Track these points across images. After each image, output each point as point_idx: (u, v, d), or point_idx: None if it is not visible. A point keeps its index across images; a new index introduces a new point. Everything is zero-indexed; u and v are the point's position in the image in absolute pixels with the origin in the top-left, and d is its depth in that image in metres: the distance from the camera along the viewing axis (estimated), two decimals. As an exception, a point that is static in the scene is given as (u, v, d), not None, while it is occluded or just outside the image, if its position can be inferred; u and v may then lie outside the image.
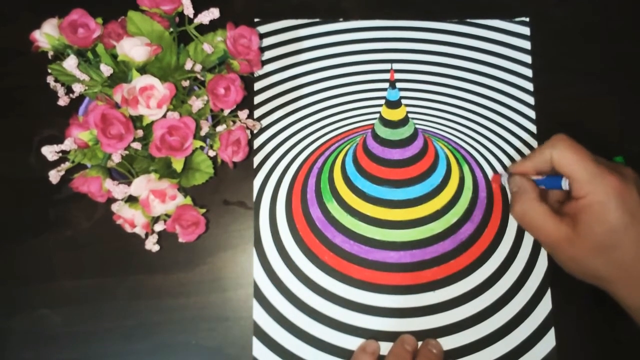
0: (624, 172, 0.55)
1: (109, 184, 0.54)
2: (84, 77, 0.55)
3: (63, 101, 0.57)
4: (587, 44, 0.70)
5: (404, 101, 0.68)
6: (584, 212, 0.54)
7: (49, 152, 0.53)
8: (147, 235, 0.57)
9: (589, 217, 0.54)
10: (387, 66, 0.69)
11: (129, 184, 0.54)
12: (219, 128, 0.58)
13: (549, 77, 0.69)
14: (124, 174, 0.56)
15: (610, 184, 0.53)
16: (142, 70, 0.55)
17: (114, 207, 0.56)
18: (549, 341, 0.62)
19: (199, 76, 0.58)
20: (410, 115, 0.68)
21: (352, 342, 0.61)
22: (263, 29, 0.69)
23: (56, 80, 0.57)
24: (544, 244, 0.59)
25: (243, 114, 0.60)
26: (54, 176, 0.54)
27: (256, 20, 0.69)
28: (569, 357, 0.61)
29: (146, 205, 0.54)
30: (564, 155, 0.55)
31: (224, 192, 0.65)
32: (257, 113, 0.67)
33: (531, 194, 0.58)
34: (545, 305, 0.62)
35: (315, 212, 0.65)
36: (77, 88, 0.55)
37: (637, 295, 0.54)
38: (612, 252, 0.53)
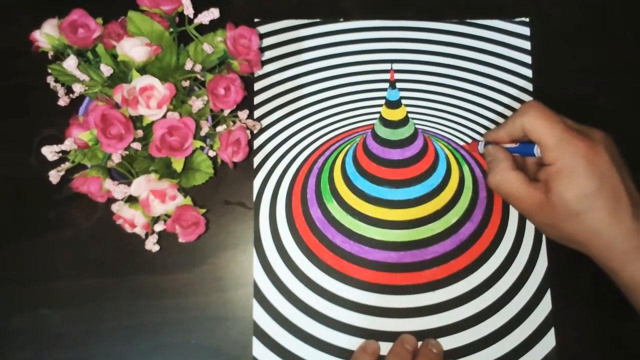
0: (593, 136, 0.55)
1: (109, 184, 0.54)
2: (84, 77, 0.55)
3: (63, 101, 0.57)
4: (586, 44, 0.70)
5: (404, 101, 0.68)
6: (554, 178, 0.54)
7: (49, 152, 0.53)
8: (147, 235, 0.57)
9: (559, 184, 0.54)
10: (387, 66, 0.69)
11: (129, 184, 0.54)
12: (219, 128, 0.58)
13: (549, 77, 0.69)
14: (124, 174, 0.56)
15: (577, 149, 0.53)
16: (142, 70, 0.55)
17: (114, 207, 0.56)
18: (549, 341, 0.62)
19: (199, 76, 0.58)
20: (410, 116, 0.68)
21: (352, 342, 0.61)
22: (263, 29, 0.69)
23: (56, 80, 0.57)
24: (520, 211, 0.60)
25: (243, 114, 0.60)
26: (54, 176, 0.54)
27: (256, 20, 0.69)
28: (569, 357, 0.61)
29: (146, 206, 0.54)
30: (534, 122, 0.55)
31: (224, 192, 0.65)
32: (257, 113, 0.67)
33: (505, 163, 0.58)
34: (545, 305, 0.62)
35: (315, 213, 0.65)
36: (77, 88, 0.55)
37: (612, 257, 0.54)
38: (585, 216, 0.53)
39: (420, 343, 0.61)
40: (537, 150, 0.56)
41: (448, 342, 0.62)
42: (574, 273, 0.62)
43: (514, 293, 0.63)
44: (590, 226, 0.54)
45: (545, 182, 0.55)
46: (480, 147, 0.63)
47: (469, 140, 0.67)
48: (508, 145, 0.60)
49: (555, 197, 0.54)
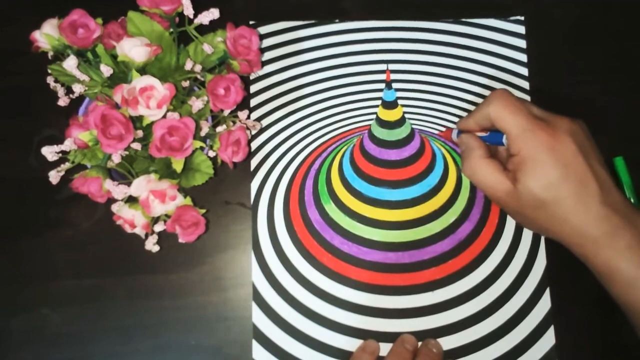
0: (557, 124, 0.54)
1: (108, 184, 0.54)
2: (84, 77, 0.55)
3: (63, 101, 0.57)
4: (582, 42, 0.71)
5: (400, 101, 0.68)
6: (519, 169, 0.54)
7: (49, 152, 0.53)
8: (147, 235, 0.57)
9: (524, 174, 0.54)
10: (383, 67, 0.69)
11: (128, 184, 0.54)
12: (219, 128, 0.58)
13: (545, 75, 0.69)
14: (124, 175, 0.56)
15: (539, 139, 0.53)
16: (142, 70, 0.55)
17: (114, 207, 0.56)
18: (548, 340, 0.62)
19: (199, 76, 0.58)
20: (406, 116, 0.68)
21: (351, 343, 0.62)
22: (261, 30, 0.69)
23: (56, 81, 0.57)
24: (492, 200, 0.59)
25: (243, 114, 0.60)
26: (54, 176, 0.54)
27: (251, 22, 0.69)
28: (569, 356, 0.62)
29: (146, 206, 0.54)
30: (499, 111, 0.55)
31: (224, 192, 0.65)
32: (254, 115, 0.67)
33: (477, 151, 0.58)
34: (545, 304, 0.63)
35: (313, 214, 0.65)
36: (77, 88, 0.55)
37: (584, 244, 0.54)
38: (552, 206, 0.53)
39: (420, 343, 0.61)
40: (505, 140, 0.56)
41: (448, 342, 0.62)
42: (573, 271, 0.62)
43: (513, 292, 0.63)
44: (558, 215, 0.54)
45: (513, 171, 0.55)
46: (454, 135, 0.63)
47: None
48: (480, 134, 0.60)
49: (521, 187, 0.54)
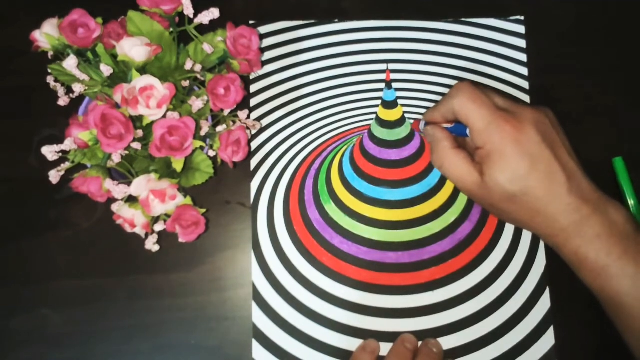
0: (521, 115, 0.54)
1: (109, 184, 0.54)
2: (84, 77, 0.55)
3: (63, 101, 0.57)
4: (582, 42, 0.71)
5: (400, 101, 0.68)
6: (485, 162, 0.54)
7: (49, 152, 0.53)
8: (147, 235, 0.57)
9: (491, 168, 0.54)
10: (383, 66, 0.69)
11: (129, 184, 0.54)
12: (219, 128, 0.58)
13: (545, 75, 0.69)
14: (124, 174, 0.56)
15: (504, 132, 0.53)
16: (142, 70, 0.55)
17: (114, 207, 0.56)
18: (548, 340, 0.62)
19: (199, 76, 0.58)
20: (406, 116, 0.68)
21: (351, 343, 0.62)
22: (261, 29, 0.69)
23: (56, 80, 0.57)
24: (463, 192, 0.59)
25: (243, 114, 0.60)
26: (54, 176, 0.54)
27: (251, 22, 0.69)
28: (568, 356, 0.62)
29: (146, 205, 0.54)
30: (463, 104, 0.55)
31: (224, 192, 0.65)
32: (254, 115, 0.67)
33: (444, 142, 0.58)
34: (544, 304, 0.63)
35: (313, 214, 0.65)
36: (77, 88, 0.55)
37: (553, 234, 0.54)
38: (522, 197, 0.53)
39: (420, 343, 0.61)
40: (469, 132, 0.56)
41: (448, 342, 0.62)
42: (573, 271, 0.63)
43: (512, 291, 0.63)
44: (527, 206, 0.54)
45: (480, 164, 0.55)
46: (421, 126, 0.63)
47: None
48: (445, 125, 0.60)
49: (490, 180, 0.54)
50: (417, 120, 0.65)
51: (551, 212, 0.53)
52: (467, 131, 0.56)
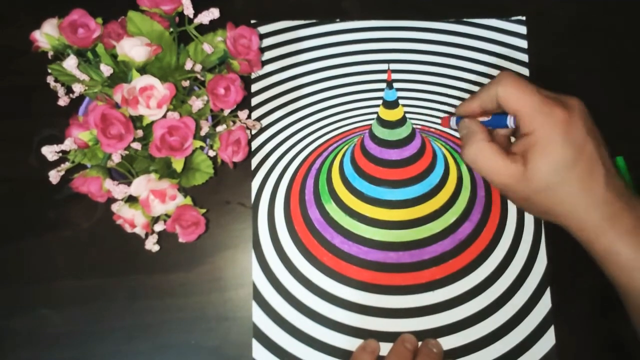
0: (570, 104, 0.54)
1: (108, 184, 0.54)
2: (84, 77, 0.55)
3: (63, 101, 0.57)
4: (583, 42, 0.71)
5: (401, 101, 0.68)
6: (532, 149, 0.53)
7: (49, 152, 0.53)
8: (147, 235, 0.57)
9: (537, 155, 0.53)
10: (384, 66, 0.69)
11: (129, 184, 0.54)
12: (219, 128, 0.58)
13: (546, 75, 0.69)
14: (124, 174, 0.56)
15: (556, 118, 0.53)
16: (142, 70, 0.55)
17: (114, 207, 0.56)
18: (548, 340, 0.62)
19: (199, 76, 0.58)
20: (407, 115, 0.68)
21: (351, 343, 0.62)
22: (261, 29, 0.69)
23: (56, 80, 0.57)
24: (496, 185, 0.58)
25: (243, 113, 0.60)
26: (54, 176, 0.54)
27: (251, 22, 0.69)
28: (569, 356, 0.62)
29: (146, 205, 0.54)
30: (509, 91, 0.55)
31: (224, 192, 0.65)
32: (255, 115, 0.67)
33: (480, 135, 0.57)
34: (545, 304, 0.63)
35: (314, 214, 0.65)
36: (77, 88, 0.55)
37: (586, 228, 0.54)
38: (559, 188, 0.53)
39: (420, 343, 0.61)
40: (510, 121, 0.56)
41: (448, 342, 0.62)
42: (574, 271, 0.63)
43: (513, 292, 0.63)
44: (562, 198, 0.54)
45: (523, 153, 0.54)
46: (453, 123, 0.63)
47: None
48: (482, 118, 0.59)
49: (533, 169, 0.53)
50: (447, 116, 0.64)
51: (585, 205, 0.53)
52: (509, 120, 0.56)
